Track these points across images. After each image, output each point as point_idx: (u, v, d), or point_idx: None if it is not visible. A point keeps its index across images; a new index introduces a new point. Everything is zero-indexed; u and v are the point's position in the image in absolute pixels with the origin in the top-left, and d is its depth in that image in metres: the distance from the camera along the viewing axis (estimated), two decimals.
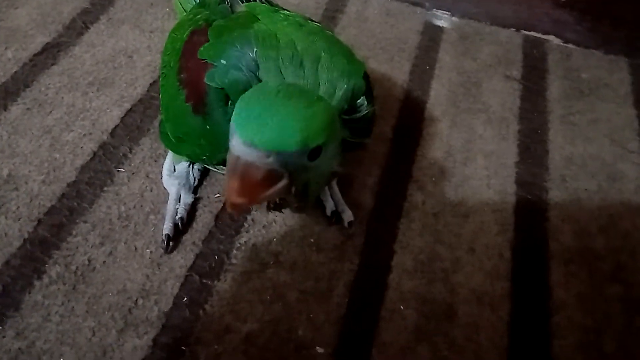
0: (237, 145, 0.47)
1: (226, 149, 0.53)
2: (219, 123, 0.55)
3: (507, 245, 0.75)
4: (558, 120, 0.93)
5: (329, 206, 0.74)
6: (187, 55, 0.62)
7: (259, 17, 0.62)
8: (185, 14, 0.74)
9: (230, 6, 0.69)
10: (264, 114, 0.47)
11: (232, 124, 0.48)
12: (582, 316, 0.69)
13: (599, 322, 0.68)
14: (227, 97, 0.55)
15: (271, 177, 0.48)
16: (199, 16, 0.67)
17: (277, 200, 0.56)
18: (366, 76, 0.59)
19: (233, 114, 0.48)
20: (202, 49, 0.59)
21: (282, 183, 0.49)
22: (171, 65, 0.65)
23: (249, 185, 0.47)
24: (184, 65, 0.61)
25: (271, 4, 0.72)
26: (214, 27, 0.62)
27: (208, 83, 0.56)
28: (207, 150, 0.59)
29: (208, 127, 0.57)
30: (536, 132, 0.91)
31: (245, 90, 0.51)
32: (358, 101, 0.56)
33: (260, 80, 0.54)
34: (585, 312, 0.69)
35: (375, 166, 0.82)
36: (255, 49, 0.55)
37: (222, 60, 0.56)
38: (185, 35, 0.65)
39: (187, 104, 0.59)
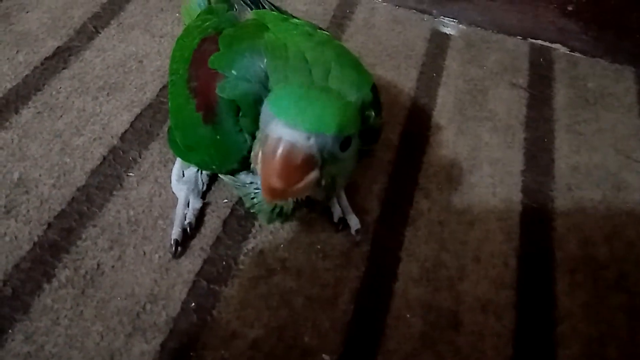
0: (279, 128, 0.47)
1: (236, 159, 0.54)
2: (229, 133, 0.56)
3: (512, 253, 0.75)
4: (564, 129, 0.94)
5: (336, 213, 0.75)
6: (197, 63, 0.62)
7: (269, 25, 0.62)
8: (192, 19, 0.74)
9: (239, 13, 0.69)
10: (303, 101, 0.49)
11: (269, 112, 0.49)
12: (586, 325, 0.69)
13: (603, 332, 0.69)
14: (238, 108, 0.56)
15: (309, 162, 0.48)
16: (207, 23, 0.67)
17: (303, 198, 0.56)
18: (374, 87, 0.60)
19: (269, 103, 0.50)
20: (212, 58, 0.59)
21: (316, 173, 0.49)
22: (180, 73, 0.65)
23: (289, 169, 0.47)
24: (194, 74, 0.62)
25: (280, 11, 0.73)
26: (224, 36, 0.62)
27: (219, 94, 0.56)
28: (216, 160, 0.60)
29: (218, 137, 0.57)
30: (542, 141, 0.91)
31: (255, 101, 0.53)
32: (366, 113, 0.56)
33: (269, 92, 0.54)
34: (590, 321, 0.69)
35: (382, 173, 0.82)
36: (265, 60, 0.56)
37: (232, 71, 0.57)
38: (194, 42, 0.65)
39: (197, 113, 0.59)
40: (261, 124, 0.51)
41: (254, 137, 0.54)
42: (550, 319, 0.69)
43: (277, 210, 0.58)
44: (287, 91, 0.51)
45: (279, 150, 0.47)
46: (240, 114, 0.56)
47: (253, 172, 0.58)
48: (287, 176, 0.48)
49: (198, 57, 0.63)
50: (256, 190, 0.59)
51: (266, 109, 0.50)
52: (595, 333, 0.68)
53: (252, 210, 0.62)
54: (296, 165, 0.48)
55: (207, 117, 0.58)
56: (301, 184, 0.49)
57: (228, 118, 0.56)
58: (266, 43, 0.57)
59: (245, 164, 0.57)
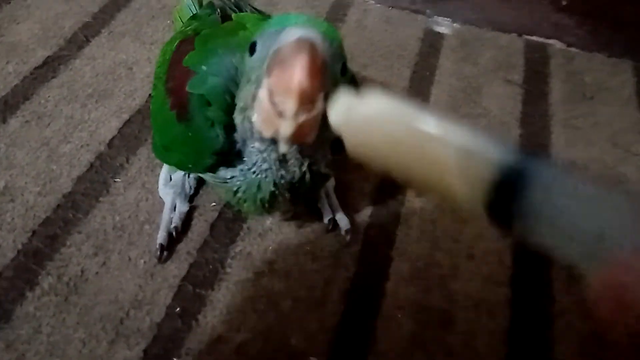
0: (295, 30, 0.45)
1: (209, 154, 0.53)
2: (201, 128, 0.55)
3: (507, 251, 0.73)
4: (560, 124, 0.92)
5: (326, 213, 0.73)
6: (174, 64, 0.62)
7: (247, 25, 0.62)
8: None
9: (221, 17, 0.69)
10: (307, 18, 0.50)
11: (273, 32, 0.47)
12: (584, 321, 0.67)
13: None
14: (209, 103, 0.55)
15: (326, 71, 0.45)
16: (189, 27, 0.68)
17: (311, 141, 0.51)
18: (354, 79, 0.59)
19: (271, 26, 0.49)
20: (186, 57, 0.59)
21: (322, 104, 0.45)
22: (161, 76, 0.65)
23: (314, 67, 0.43)
24: (171, 74, 0.62)
25: (261, 13, 0.73)
26: (201, 36, 0.62)
27: (189, 90, 0.56)
28: (192, 157, 0.59)
29: (190, 133, 0.57)
30: (538, 136, 0.90)
31: (224, 92, 0.53)
32: None
33: (237, 85, 0.53)
34: (587, 317, 0.67)
35: (373, 172, 0.81)
36: (237, 55, 0.55)
37: (203, 67, 0.56)
38: (174, 46, 0.65)
39: (171, 111, 0.59)
40: (263, 49, 0.48)
41: (225, 130, 0.53)
42: (546, 315, 0.67)
43: (260, 196, 0.56)
44: (288, 14, 0.51)
45: (302, 47, 0.44)
46: (211, 108, 0.55)
47: (234, 165, 0.56)
48: (313, 74, 0.43)
49: (176, 58, 0.62)
50: (239, 182, 0.57)
51: (269, 33, 0.48)
52: (593, 329, 0.66)
53: (237, 207, 0.61)
54: (318, 67, 0.44)
55: (180, 115, 0.57)
56: (311, 114, 0.45)
57: (199, 114, 0.55)
58: (240, 39, 0.57)
59: (221, 159, 0.56)
